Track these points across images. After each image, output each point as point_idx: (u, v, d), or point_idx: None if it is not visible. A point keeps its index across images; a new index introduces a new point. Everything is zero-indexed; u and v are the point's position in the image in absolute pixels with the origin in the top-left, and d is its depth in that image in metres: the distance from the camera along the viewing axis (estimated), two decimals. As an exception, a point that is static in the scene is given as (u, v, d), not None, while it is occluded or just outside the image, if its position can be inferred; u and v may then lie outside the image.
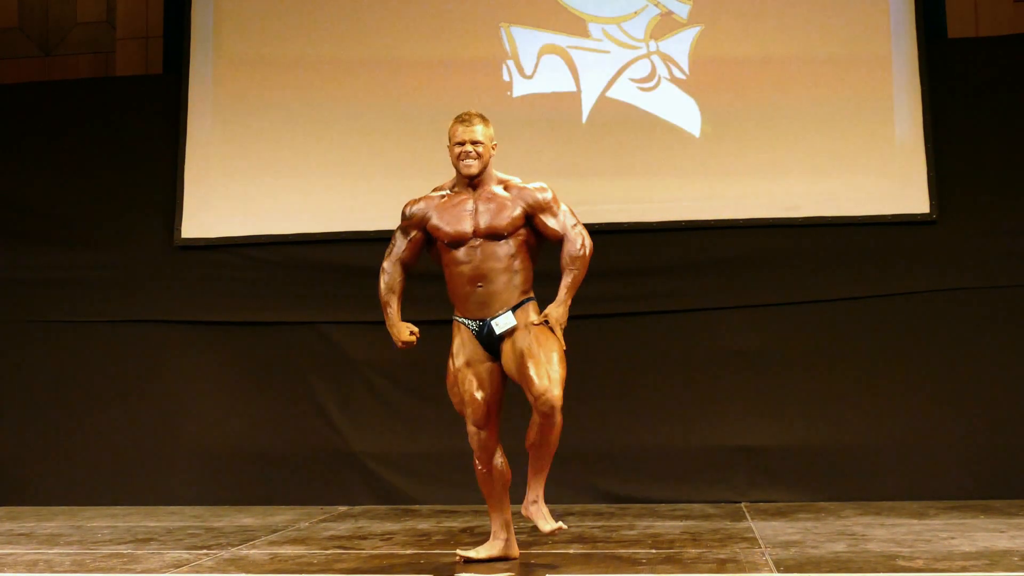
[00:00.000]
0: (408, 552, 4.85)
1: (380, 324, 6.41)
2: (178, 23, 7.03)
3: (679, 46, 6.54)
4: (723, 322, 6.38)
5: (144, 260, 6.89)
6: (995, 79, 6.39)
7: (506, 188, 4.48)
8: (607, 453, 6.21)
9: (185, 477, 6.65)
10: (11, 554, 4.98)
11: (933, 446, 6.15)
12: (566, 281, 4.39)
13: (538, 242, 4.50)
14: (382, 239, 6.51)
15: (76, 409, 6.81)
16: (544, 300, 4.47)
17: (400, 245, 4.57)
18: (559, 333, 4.33)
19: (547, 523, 4.37)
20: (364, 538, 5.25)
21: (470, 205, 4.45)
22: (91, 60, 7.38)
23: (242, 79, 6.91)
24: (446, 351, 6.32)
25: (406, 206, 4.57)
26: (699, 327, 6.40)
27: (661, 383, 6.38)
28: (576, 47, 6.62)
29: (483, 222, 4.40)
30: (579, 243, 4.41)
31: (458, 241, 4.42)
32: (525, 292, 4.45)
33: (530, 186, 4.47)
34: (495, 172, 4.51)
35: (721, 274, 6.40)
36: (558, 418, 4.26)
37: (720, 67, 6.51)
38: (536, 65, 6.64)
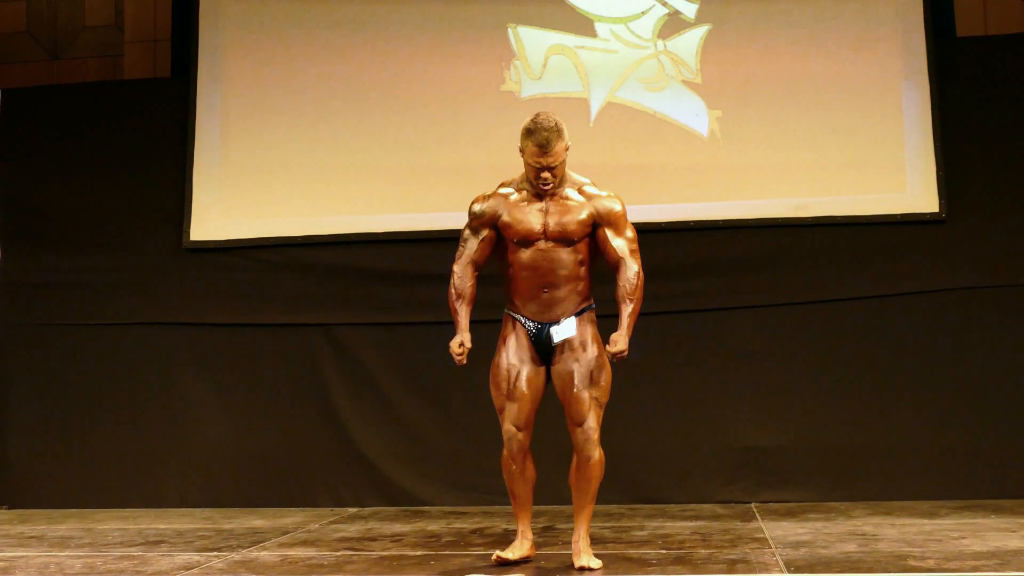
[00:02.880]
0: (418, 554, 4.85)
1: (390, 326, 6.65)
2: (186, 26, 7.02)
3: (687, 46, 6.54)
4: (732, 322, 6.38)
5: (153, 263, 6.89)
6: (1004, 77, 6.37)
7: (580, 192, 4.41)
8: (617, 454, 6.09)
9: (195, 479, 6.67)
10: (23, 557, 4.99)
11: (944, 445, 6.14)
12: (627, 310, 4.31)
13: (599, 252, 4.44)
14: (393, 241, 6.67)
15: (86, 412, 6.81)
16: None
17: (472, 246, 4.45)
18: (623, 356, 4.29)
19: (589, 559, 4.34)
20: (374, 539, 5.26)
21: (540, 205, 4.38)
22: (99, 63, 7.37)
23: (250, 81, 6.91)
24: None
25: (474, 203, 4.46)
26: (708, 327, 6.40)
27: (670, 384, 6.38)
28: (584, 47, 6.62)
29: (553, 223, 4.34)
30: (635, 270, 4.34)
31: (527, 240, 4.35)
32: (586, 300, 4.44)
33: (603, 194, 4.41)
34: (569, 173, 4.43)
35: (729, 274, 6.40)
36: (595, 454, 4.32)
37: (728, 66, 6.50)
38: (544, 65, 6.64)
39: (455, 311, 4.44)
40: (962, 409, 6.17)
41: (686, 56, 6.55)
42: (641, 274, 4.37)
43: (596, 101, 6.59)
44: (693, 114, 6.51)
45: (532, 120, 4.31)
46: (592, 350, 4.38)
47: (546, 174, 4.30)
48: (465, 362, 4.35)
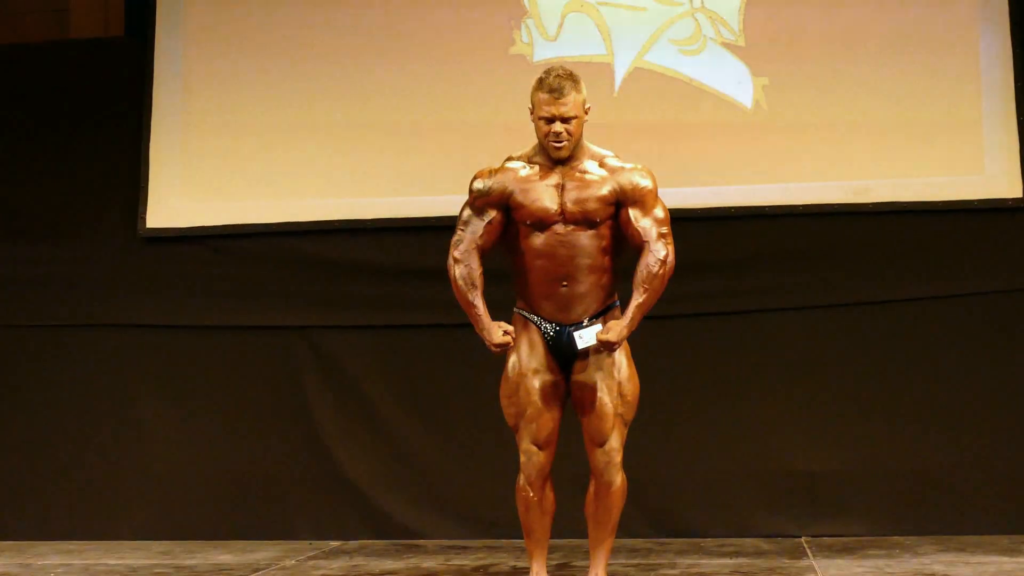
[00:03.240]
0: (413, 596, 4.84)
1: (380, 329, 6.64)
2: (142, -23, 7.02)
3: (728, 3, 6.51)
4: (779, 326, 6.37)
5: (102, 254, 6.88)
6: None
7: (601, 165, 4.36)
8: (644, 479, 6.12)
9: (152, 507, 6.65)
10: (-53, 599, 4.98)
11: (1026, 471, 6.12)
12: (637, 301, 4.26)
13: (623, 236, 4.39)
14: (382, 229, 6.65)
15: (25, 428, 6.81)
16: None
17: (475, 228, 4.38)
18: (614, 350, 4.29)
19: None
20: (361, 579, 5.26)
21: (555, 179, 4.33)
22: (41, 20, 7.35)
23: (216, 43, 6.88)
24: (455, 360, 6.41)
25: (477, 178, 4.40)
26: (751, 332, 6.38)
27: (707, 397, 6.37)
28: (607, 4, 6.59)
29: (571, 201, 4.28)
30: (661, 257, 4.28)
31: (541, 223, 4.29)
32: (611, 295, 4.41)
33: (628, 166, 4.36)
34: (587, 144, 4.38)
35: (777, 269, 6.38)
36: (617, 479, 4.33)
37: (776, 27, 6.47)
38: (560, 25, 6.62)
39: (470, 304, 4.35)
40: (1050, 429, 6.15)
41: (726, 14, 6.52)
42: (670, 261, 4.32)
43: (621, 66, 6.56)
44: (735, 81, 6.48)
45: (544, 71, 4.31)
46: (619, 358, 4.36)
47: (559, 126, 4.24)
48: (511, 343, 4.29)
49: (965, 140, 6.30)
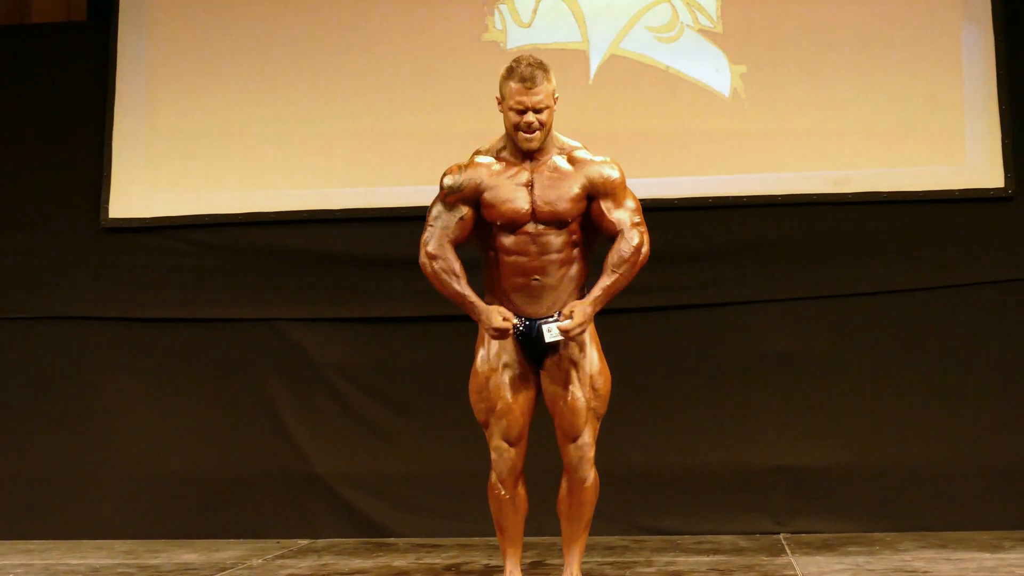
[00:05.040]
0: (383, 596, 4.83)
1: (348, 322, 6.61)
2: (105, -41, 6.98)
3: (706, -12, 6.53)
4: (759, 318, 6.36)
5: (65, 245, 6.84)
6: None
7: (569, 160, 4.35)
8: (620, 475, 6.14)
9: (115, 505, 6.61)
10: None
11: (1008, 466, 6.14)
12: (605, 282, 4.27)
13: (596, 230, 4.40)
14: (351, 220, 6.63)
15: (-17, 423, 6.76)
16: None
17: (447, 224, 4.34)
18: (581, 332, 4.26)
19: None
20: (330, 579, 5.24)
21: (524, 177, 4.31)
22: (1, 3, 7.27)
23: (182, 28, 6.84)
24: (426, 353, 6.39)
25: (447, 174, 4.37)
26: (730, 324, 6.38)
27: (684, 391, 6.37)
28: None
29: (542, 201, 4.27)
30: (635, 244, 4.29)
31: (512, 223, 4.28)
32: (580, 288, 4.38)
33: (597, 159, 4.35)
34: (556, 135, 4.37)
35: (757, 261, 6.37)
36: (590, 475, 4.35)
37: (755, 14, 6.46)
38: (535, 11, 6.60)
39: (459, 294, 4.32)
40: (1032, 423, 6.17)
41: (704, 0, 6.49)
42: (644, 251, 4.33)
43: (597, 53, 6.55)
44: (713, 70, 6.48)
45: (513, 59, 4.30)
46: (590, 351, 4.36)
47: (531, 116, 4.22)
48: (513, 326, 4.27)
49: (947, 130, 6.30)
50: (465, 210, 4.34)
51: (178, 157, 6.78)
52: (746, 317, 6.36)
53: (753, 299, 6.36)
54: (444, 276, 4.32)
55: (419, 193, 6.16)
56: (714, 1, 6.50)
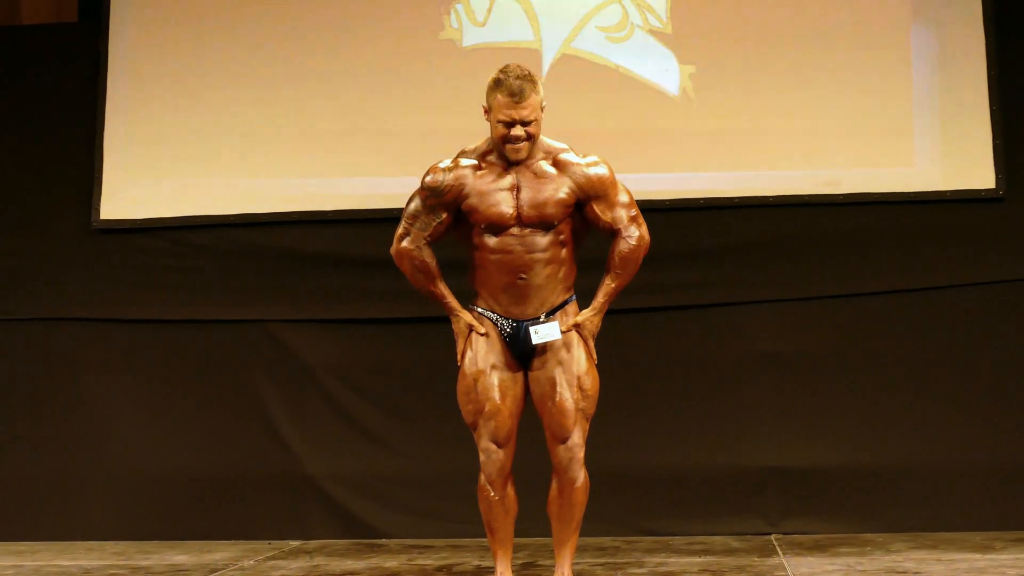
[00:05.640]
0: (373, 597, 4.82)
1: (341, 323, 6.60)
2: (96, -40, 6.98)
3: (655, -10, 6.58)
4: (749, 320, 6.37)
5: (56, 246, 6.83)
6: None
7: (555, 163, 4.35)
8: (611, 476, 6.13)
9: (106, 506, 6.61)
10: None
11: (1000, 467, 6.14)
12: (608, 286, 4.36)
13: (586, 229, 4.43)
14: (341, 221, 6.63)
15: (-26, 425, 6.75)
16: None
17: (424, 225, 4.37)
18: (591, 345, 4.36)
19: None
20: (321, 580, 5.24)
21: (509, 181, 4.31)
22: (-11, 4, 7.32)
23: (173, 29, 6.84)
24: (417, 354, 6.39)
25: (429, 173, 4.36)
26: (720, 326, 6.39)
27: (674, 392, 6.37)
28: None
29: (527, 205, 4.28)
30: (633, 242, 4.34)
31: (497, 227, 4.29)
32: (568, 289, 4.41)
33: (584, 162, 4.35)
34: (542, 139, 4.37)
35: (744, 262, 6.38)
36: (580, 475, 4.34)
37: (704, 15, 6.50)
38: (489, 10, 6.66)
39: (434, 294, 4.43)
40: (1023, 424, 6.15)
41: (654, 1, 6.56)
42: (645, 241, 4.38)
43: (549, 52, 6.62)
44: (662, 70, 6.53)
45: (500, 70, 4.29)
46: (577, 351, 4.36)
47: (519, 130, 4.23)
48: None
49: (935, 129, 6.31)
50: (444, 215, 4.36)
51: (169, 158, 6.78)
52: (736, 318, 6.36)
53: (743, 300, 6.36)
54: (421, 276, 4.41)
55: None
56: (664, 2, 6.54)
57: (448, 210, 4.35)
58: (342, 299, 6.59)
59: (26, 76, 6.98)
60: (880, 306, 6.30)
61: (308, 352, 6.60)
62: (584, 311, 4.37)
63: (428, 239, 4.38)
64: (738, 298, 6.37)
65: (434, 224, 4.36)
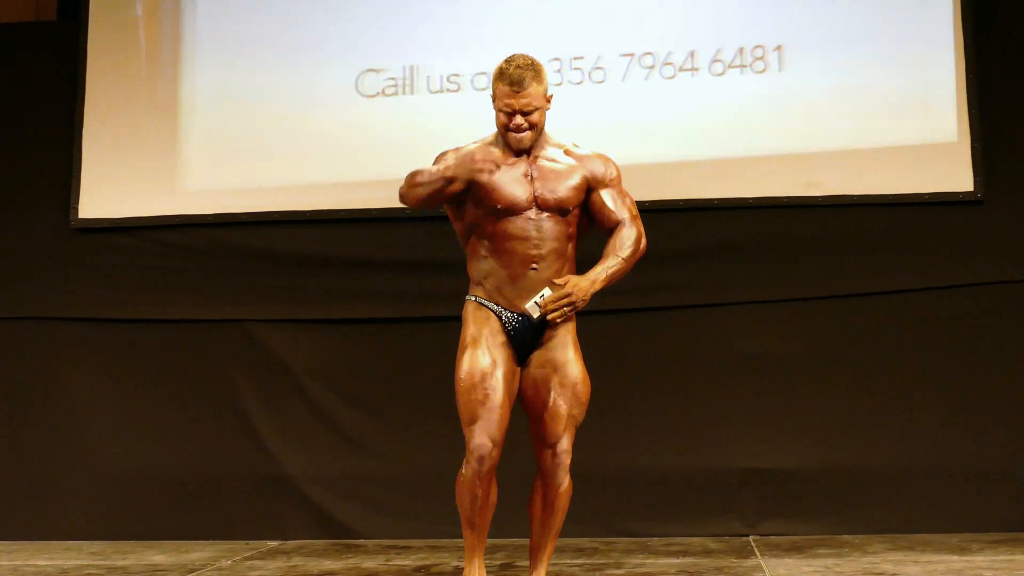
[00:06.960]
0: (351, 597, 4.82)
1: (320, 323, 6.60)
2: (75, -42, 6.96)
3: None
4: (728, 321, 6.38)
5: (34, 245, 6.83)
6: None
7: (567, 153, 4.38)
8: (589, 477, 6.10)
9: (84, 505, 6.60)
10: None
11: (977, 468, 6.17)
12: (608, 263, 4.26)
13: (587, 226, 4.42)
14: (321, 221, 6.62)
15: (-48, 424, 6.72)
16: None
17: (432, 178, 4.25)
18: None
19: None
20: (298, 580, 5.23)
21: (522, 169, 4.32)
22: (-36, 1, 7.28)
23: (151, 28, 6.83)
24: (396, 355, 6.40)
25: (445, 152, 4.35)
26: (699, 327, 6.40)
27: (653, 393, 6.38)
28: None
29: (544, 190, 4.28)
30: (636, 235, 4.33)
31: (512, 209, 4.27)
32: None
33: (594, 154, 4.40)
34: (548, 133, 4.39)
35: (724, 264, 6.40)
36: (566, 481, 4.30)
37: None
38: None
39: (434, 175, 4.26)
40: (1000, 427, 6.19)
41: None
42: (643, 243, 4.35)
43: None
44: None
45: (505, 59, 4.30)
46: (572, 354, 4.33)
47: (519, 119, 4.25)
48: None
49: (915, 132, 6.31)
50: (456, 183, 4.25)
51: (148, 157, 6.77)
52: (715, 320, 6.38)
53: (721, 302, 6.37)
54: (423, 190, 4.28)
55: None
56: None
57: (461, 180, 4.26)
58: (321, 299, 6.59)
59: (3, 74, 6.97)
60: (859, 308, 6.32)
61: (286, 352, 6.60)
62: (579, 277, 4.21)
63: (436, 190, 4.28)
64: (717, 300, 6.38)
65: (443, 182, 4.24)
